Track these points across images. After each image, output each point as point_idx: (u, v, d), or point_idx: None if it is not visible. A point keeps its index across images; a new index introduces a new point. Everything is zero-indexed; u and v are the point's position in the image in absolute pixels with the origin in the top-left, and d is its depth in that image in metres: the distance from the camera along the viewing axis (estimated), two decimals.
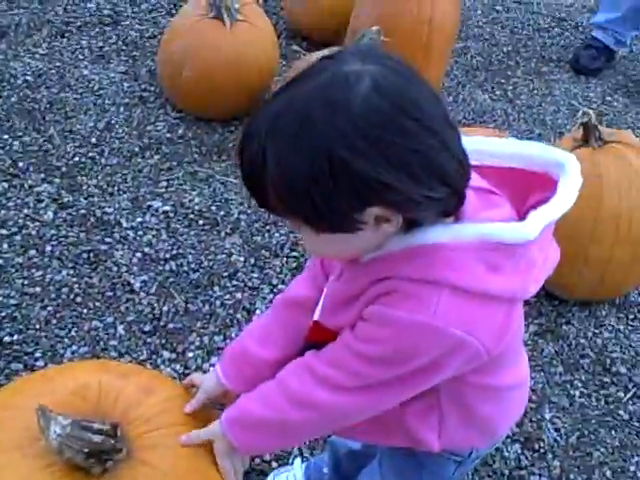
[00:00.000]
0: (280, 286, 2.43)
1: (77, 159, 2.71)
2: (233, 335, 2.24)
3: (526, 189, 1.12)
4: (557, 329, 2.58)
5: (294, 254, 2.56)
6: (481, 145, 1.14)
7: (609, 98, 3.99)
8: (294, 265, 2.51)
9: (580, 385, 2.41)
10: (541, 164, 1.13)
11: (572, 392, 2.38)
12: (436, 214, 1.02)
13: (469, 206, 1.05)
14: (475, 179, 1.07)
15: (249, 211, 2.68)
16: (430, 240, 1.03)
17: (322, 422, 1.20)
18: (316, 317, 1.24)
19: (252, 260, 2.50)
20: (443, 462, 1.36)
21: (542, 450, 2.19)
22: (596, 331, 2.62)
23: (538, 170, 1.13)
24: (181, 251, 2.46)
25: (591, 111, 2.45)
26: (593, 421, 2.31)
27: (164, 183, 2.71)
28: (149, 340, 2.18)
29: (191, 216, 2.61)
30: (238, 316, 2.31)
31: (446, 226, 1.04)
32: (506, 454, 2.15)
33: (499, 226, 1.04)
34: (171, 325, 2.23)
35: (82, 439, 1.21)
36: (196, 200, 2.67)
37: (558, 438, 2.24)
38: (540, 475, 2.13)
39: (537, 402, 2.32)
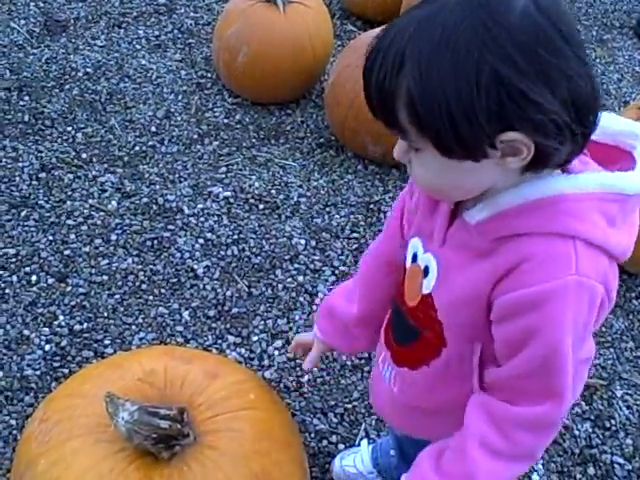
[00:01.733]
0: (341, 268, 2.42)
1: (138, 148, 2.75)
2: (296, 318, 2.25)
3: (601, 162, 1.04)
4: (627, 304, 2.52)
5: (355, 235, 2.54)
6: None
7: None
8: (355, 247, 2.51)
9: None
10: (611, 135, 1.05)
11: None
12: (557, 161, 0.95)
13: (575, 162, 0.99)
14: None
15: (308, 194, 2.67)
16: (550, 191, 0.96)
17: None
18: (427, 290, 1.13)
19: (313, 243, 2.50)
20: None
21: (614, 428, 2.15)
22: None
23: (609, 142, 1.06)
24: (242, 236, 2.48)
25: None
26: None
27: (224, 169, 2.72)
28: (214, 325, 2.20)
29: (251, 200, 2.62)
30: (300, 299, 2.31)
31: (567, 175, 0.97)
32: (576, 432, 2.11)
33: (620, 175, 0.98)
34: (235, 309, 2.25)
35: (150, 425, 1.23)
36: (256, 184, 2.68)
37: (630, 416, 2.19)
38: (612, 454, 2.08)
39: (608, 379, 2.27)
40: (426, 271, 1.13)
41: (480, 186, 1.00)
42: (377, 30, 3.18)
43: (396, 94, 0.91)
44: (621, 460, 2.07)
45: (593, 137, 0.99)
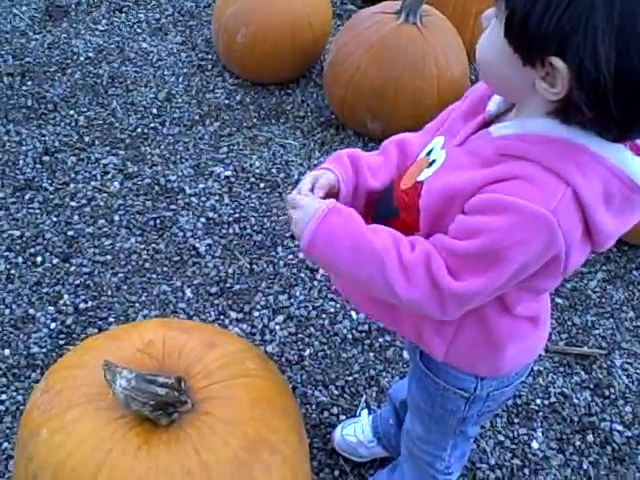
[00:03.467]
0: None
1: (140, 130, 2.77)
2: (297, 294, 2.28)
3: None
4: (627, 275, 2.53)
5: None
6: None
7: None
8: None
9: None
10: None
11: None
12: (599, 127, 0.97)
13: None
14: None
15: (309, 171, 2.69)
16: (576, 139, 0.99)
17: (384, 288, 1.13)
18: (421, 177, 1.16)
19: None
20: (450, 396, 1.36)
21: (613, 396, 2.17)
22: None
23: None
24: (244, 214, 2.51)
25: None
26: None
27: (225, 149, 2.75)
28: (216, 302, 2.24)
29: (252, 179, 2.64)
30: (302, 275, 2.34)
31: (599, 138, 0.99)
32: (575, 401, 2.14)
33: None
34: (237, 286, 2.28)
35: (147, 392, 1.27)
36: (256, 164, 2.70)
37: (630, 384, 2.21)
38: (611, 421, 2.11)
39: (607, 349, 2.29)
40: (431, 164, 1.17)
41: (514, 90, 1.05)
42: (373, 8, 3.17)
43: None
44: (620, 427, 2.10)
45: None
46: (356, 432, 1.91)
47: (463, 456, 1.67)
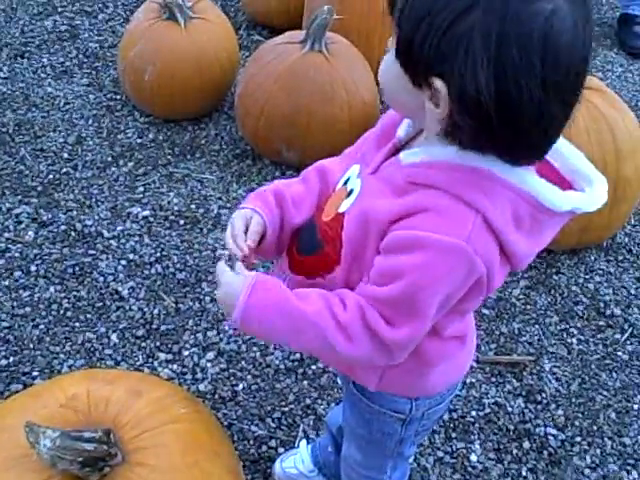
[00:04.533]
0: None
1: (51, 176, 2.71)
2: (226, 328, 2.26)
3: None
4: (548, 280, 2.60)
5: None
6: None
7: None
8: None
9: (576, 332, 2.43)
10: (570, 169, 1.11)
11: (569, 340, 2.40)
12: (493, 150, 1.00)
13: None
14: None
15: (229, 205, 2.68)
16: (482, 165, 1.01)
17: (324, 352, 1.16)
18: (342, 209, 1.17)
19: None
20: (386, 419, 1.36)
21: (545, 401, 2.21)
22: (587, 277, 2.63)
23: (566, 175, 1.11)
24: (165, 253, 2.47)
25: None
26: (593, 366, 2.33)
27: (141, 189, 2.71)
28: (143, 344, 2.19)
29: (171, 217, 2.61)
30: None
31: (504, 164, 1.01)
32: (509, 409, 2.17)
33: (551, 187, 1.02)
34: (163, 327, 2.25)
35: (74, 449, 1.23)
36: (175, 201, 2.67)
37: (560, 387, 2.26)
38: (545, 426, 2.15)
39: (535, 354, 2.33)
40: (349, 193, 1.17)
41: (411, 112, 1.09)
42: (278, 38, 3.20)
43: None
44: (554, 431, 2.14)
45: (555, 164, 1.08)
46: (296, 464, 1.89)
47: (404, 476, 1.67)
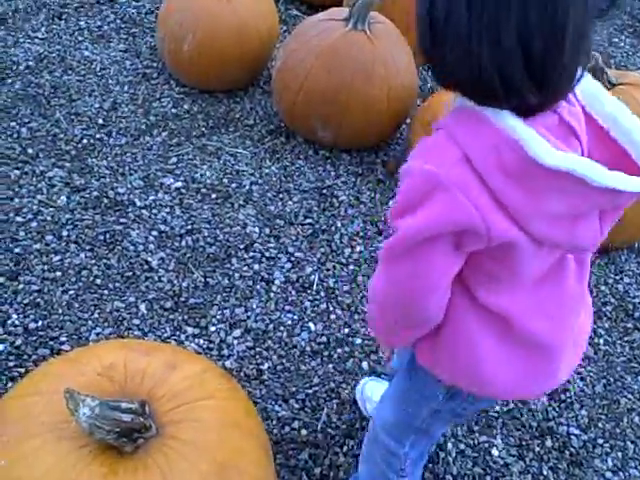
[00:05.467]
0: (297, 254, 2.43)
1: (86, 141, 2.70)
2: (254, 306, 2.25)
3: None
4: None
5: (308, 221, 2.55)
6: (598, 93, 1.13)
7: (616, 39, 3.94)
8: (309, 232, 2.51)
9: (604, 333, 2.41)
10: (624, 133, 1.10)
11: (596, 340, 2.38)
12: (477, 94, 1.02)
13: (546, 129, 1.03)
14: (572, 114, 1.07)
15: (260, 181, 2.67)
16: (481, 109, 1.02)
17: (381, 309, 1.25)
18: None
19: (267, 230, 2.49)
20: (430, 380, 1.35)
21: (569, 400, 2.20)
22: (617, 277, 2.61)
23: (620, 141, 1.10)
24: (196, 226, 2.46)
25: (597, 54, 2.42)
26: (619, 368, 2.31)
27: (174, 159, 2.70)
28: (171, 317, 2.19)
29: (203, 190, 2.60)
30: (257, 287, 2.31)
31: (503, 112, 1.01)
32: (533, 407, 2.15)
33: (542, 141, 0.99)
34: (192, 300, 2.24)
35: (112, 419, 1.22)
36: (207, 174, 2.66)
37: (585, 387, 2.24)
38: (568, 425, 2.13)
39: None
40: None
41: None
42: (320, 15, 3.16)
43: None
44: (577, 431, 2.12)
45: (632, 154, 1.08)
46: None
47: (420, 459, 1.67)
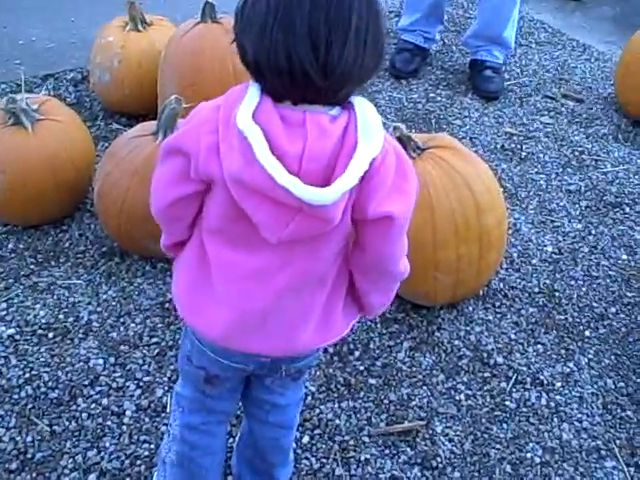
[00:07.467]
0: (145, 378, 2.35)
1: None
2: (107, 445, 2.15)
3: None
4: (431, 338, 2.61)
5: (154, 340, 2.48)
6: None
7: (432, 95, 4.11)
8: (156, 352, 2.44)
9: (464, 388, 2.44)
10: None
11: (457, 397, 2.41)
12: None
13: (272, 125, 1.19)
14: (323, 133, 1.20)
15: (99, 309, 2.59)
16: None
17: None
18: None
19: (112, 359, 2.41)
20: (187, 332, 1.66)
21: (441, 465, 2.20)
22: (467, 328, 2.66)
23: None
24: (35, 372, 2.35)
25: (401, 124, 2.50)
26: (483, 420, 2.34)
27: (4, 305, 2.58)
28: (18, 479, 2.06)
29: (39, 332, 2.49)
30: (108, 423, 2.21)
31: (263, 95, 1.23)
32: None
33: (247, 105, 1.20)
34: (39, 455, 2.11)
35: None
36: (41, 313, 2.56)
37: (454, 448, 2.25)
38: None
39: (426, 418, 2.33)
40: None
41: None
42: (132, 131, 3.15)
43: None
44: None
45: None
46: None
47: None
